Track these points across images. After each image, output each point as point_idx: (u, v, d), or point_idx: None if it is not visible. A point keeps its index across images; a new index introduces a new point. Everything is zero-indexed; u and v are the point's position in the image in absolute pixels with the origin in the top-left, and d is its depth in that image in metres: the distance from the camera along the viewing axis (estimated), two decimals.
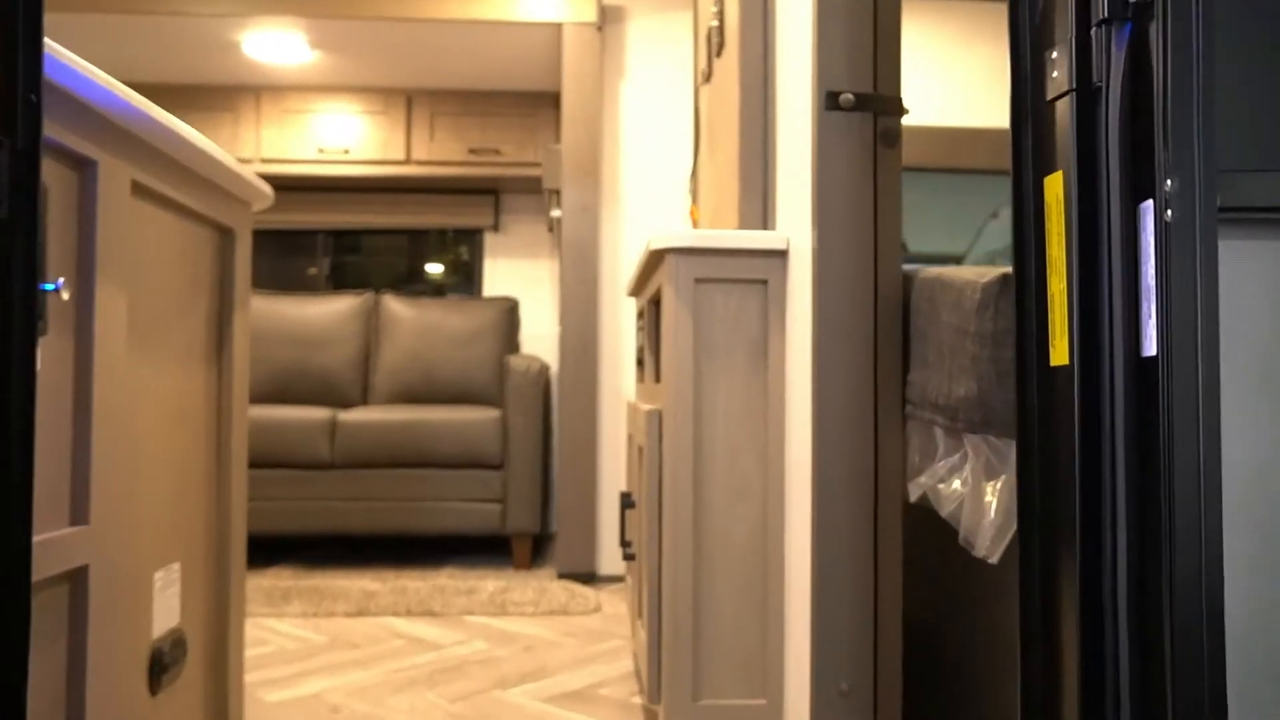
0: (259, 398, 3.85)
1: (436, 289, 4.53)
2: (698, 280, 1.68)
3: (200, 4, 3.20)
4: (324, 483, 3.33)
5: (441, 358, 3.84)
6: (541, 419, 3.41)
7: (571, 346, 3.27)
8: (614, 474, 3.36)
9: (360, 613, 2.88)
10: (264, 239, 4.44)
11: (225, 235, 1.63)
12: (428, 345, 3.85)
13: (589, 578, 3.27)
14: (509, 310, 3.94)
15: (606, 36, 3.41)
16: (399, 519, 3.34)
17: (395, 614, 2.88)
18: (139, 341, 1.30)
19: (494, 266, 4.33)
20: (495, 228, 4.29)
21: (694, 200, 2.42)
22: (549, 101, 3.98)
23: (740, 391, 1.69)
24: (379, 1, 3.23)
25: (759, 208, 1.79)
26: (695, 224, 2.43)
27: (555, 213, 3.47)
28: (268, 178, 4.07)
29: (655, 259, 1.81)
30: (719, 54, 2.09)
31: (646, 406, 1.82)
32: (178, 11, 3.20)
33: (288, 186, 4.21)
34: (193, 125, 3.93)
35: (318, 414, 3.36)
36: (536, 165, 3.95)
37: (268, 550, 3.58)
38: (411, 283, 4.54)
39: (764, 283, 1.69)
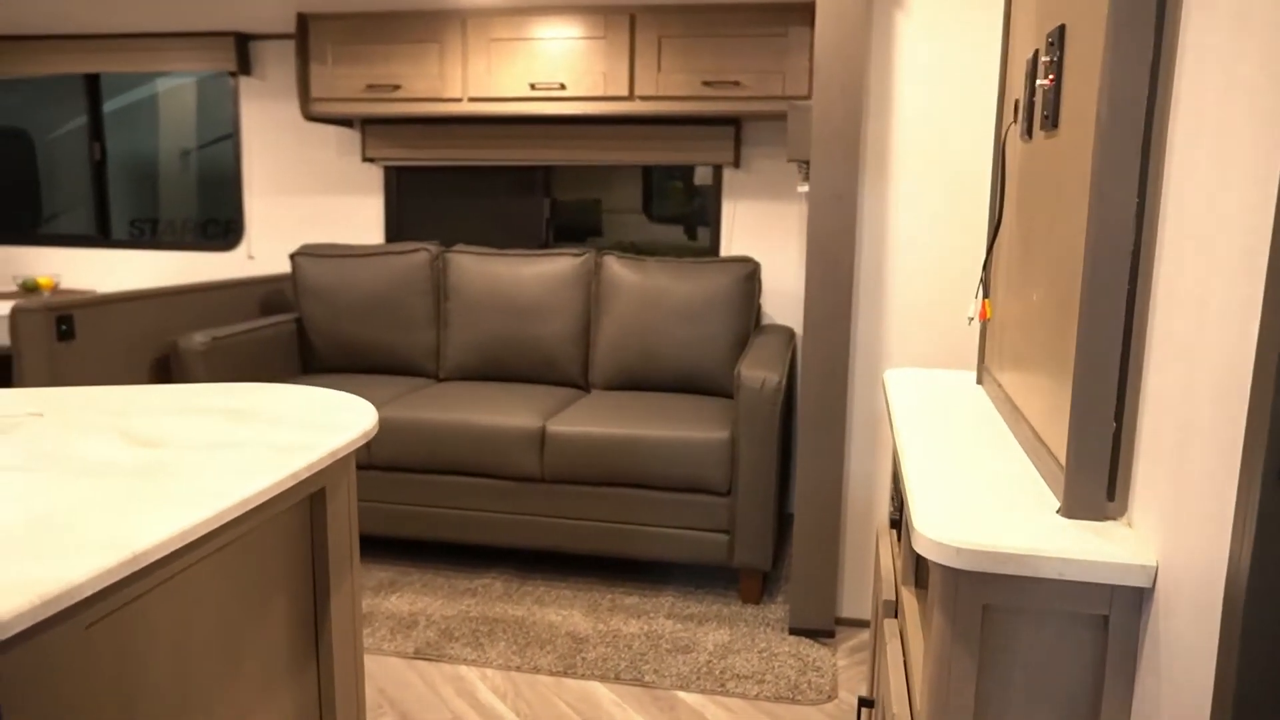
0: (469, 372, 3.56)
1: (675, 226, 3.97)
2: (987, 607, 1.06)
3: None
4: (533, 497, 3.02)
5: (667, 335, 3.34)
6: (779, 437, 2.87)
7: (815, 370, 2.66)
8: (861, 507, 2.80)
9: (566, 671, 2.60)
10: (473, 176, 4.04)
11: (314, 498, 1.19)
12: (652, 318, 3.36)
13: (827, 634, 2.80)
14: (747, 276, 3.33)
15: None
16: (613, 542, 2.99)
17: (603, 678, 2.57)
18: None
19: (733, 208, 3.69)
20: (736, 163, 3.61)
21: (986, 292, 1.69)
22: (801, 15, 3.16)
23: None
24: None
25: (1098, 480, 1.10)
26: (985, 321, 1.71)
27: (803, 188, 2.77)
28: (476, 118, 3.61)
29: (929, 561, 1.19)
30: (1047, 125, 1.32)
31: None
32: None
33: (499, 120, 3.74)
34: (398, 58, 3.49)
35: (525, 424, 3.01)
36: (784, 100, 3.20)
37: (483, 556, 3.38)
38: (643, 226, 4.01)
39: (1102, 619, 1.04)
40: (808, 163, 2.66)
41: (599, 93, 3.34)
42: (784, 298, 3.67)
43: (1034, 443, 1.31)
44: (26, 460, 1.03)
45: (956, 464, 1.31)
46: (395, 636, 2.75)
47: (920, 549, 1.07)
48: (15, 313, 2.81)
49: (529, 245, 4.01)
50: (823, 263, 2.60)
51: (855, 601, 2.87)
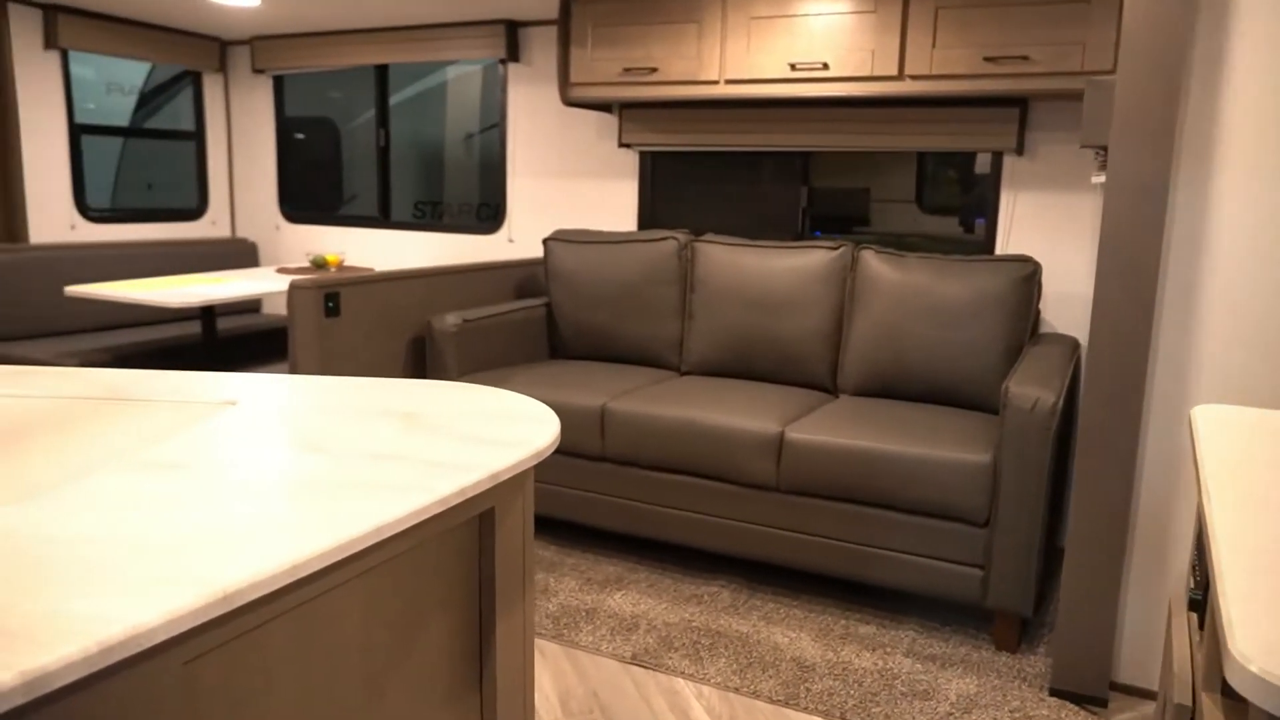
0: (713, 368, 3.42)
1: (949, 218, 3.61)
2: None
3: None
4: (767, 506, 2.83)
5: (928, 340, 3.01)
6: (1050, 465, 2.49)
7: (1101, 392, 2.26)
8: (1151, 557, 2.37)
9: (788, 701, 2.39)
10: (728, 162, 3.87)
11: (483, 519, 1.08)
12: (913, 321, 3.04)
13: (1098, 701, 2.39)
14: (1025, 278, 2.93)
15: None
16: (851, 563, 2.74)
17: (827, 715, 2.34)
18: None
19: (1013, 200, 3.27)
20: (1019, 150, 3.20)
21: None
22: None
23: None
24: None
25: None
26: None
27: (1098, 179, 2.36)
28: (733, 101, 3.44)
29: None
30: None
31: None
32: None
33: (757, 103, 3.55)
34: (656, 40, 3.40)
35: (763, 428, 2.82)
36: (1081, 76, 2.77)
37: (712, 561, 3.23)
38: (915, 217, 3.67)
39: None
40: (1106, 149, 2.26)
41: (865, 72, 3.06)
42: (1069, 302, 3.22)
43: None
44: (189, 458, 0.99)
45: None
46: (614, 638, 2.67)
47: (1239, 684, 0.77)
48: (291, 289, 2.99)
49: (784, 235, 3.81)
50: (1118, 267, 2.20)
51: (1136, 666, 2.44)
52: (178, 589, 0.67)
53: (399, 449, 1.02)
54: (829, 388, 3.29)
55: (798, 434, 2.77)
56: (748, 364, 3.36)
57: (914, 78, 3.00)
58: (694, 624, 2.75)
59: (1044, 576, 2.74)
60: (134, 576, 0.68)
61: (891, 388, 3.13)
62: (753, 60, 3.23)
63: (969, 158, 3.49)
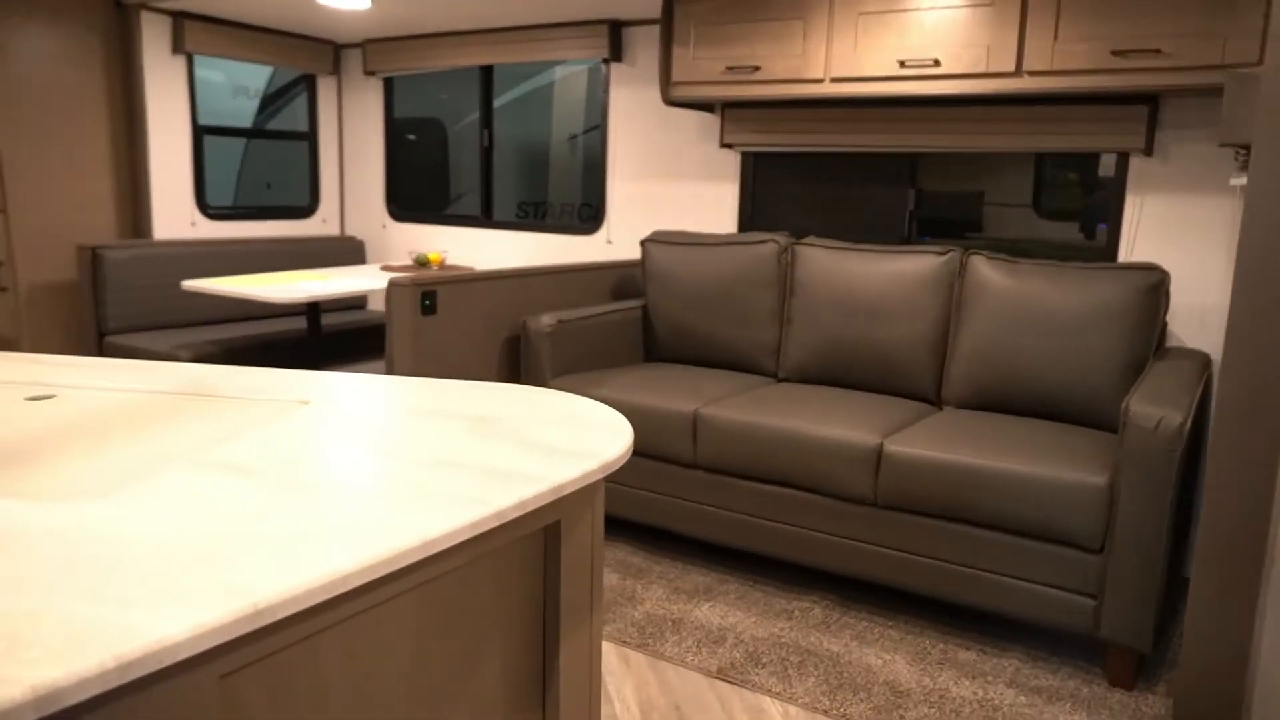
0: (811, 375, 3.31)
1: (1068, 223, 3.41)
2: None
3: None
4: (863, 521, 2.71)
5: (1040, 352, 2.84)
6: (1175, 489, 2.31)
7: (1234, 413, 2.07)
8: None
9: None
10: (831, 163, 3.74)
11: (548, 532, 1.02)
12: (1024, 331, 2.88)
13: None
14: (1150, 288, 2.74)
15: None
16: (952, 584, 2.60)
17: None
18: None
19: (1139, 204, 3.06)
20: (1147, 150, 2.99)
21: None
22: None
23: None
24: None
25: None
26: None
27: (1238, 180, 2.17)
28: (838, 100, 3.32)
29: None
30: None
31: None
32: None
33: (863, 102, 3.42)
34: (760, 37, 3.31)
35: (860, 439, 2.70)
36: (1221, 70, 2.56)
37: (804, 575, 3.12)
38: (1031, 223, 3.48)
39: None
40: (1248, 148, 2.07)
41: (980, 69, 2.91)
42: (1200, 315, 2.99)
43: None
44: (251, 459, 0.96)
45: None
46: (700, 650, 2.59)
47: None
48: (389, 287, 3.03)
49: (889, 239, 3.67)
50: (1258, 277, 2.01)
51: (1273, 713, 2.23)
52: (209, 600, 0.63)
53: (463, 456, 0.98)
54: (932, 399, 3.14)
55: (898, 447, 2.64)
56: (847, 372, 3.24)
57: (1033, 74, 2.83)
58: (783, 640, 2.66)
59: (1165, 609, 2.55)
60: (167, 584, 0.65)
61: (1000, 401, 2.96)
62: (860, 58, 3.11)
63: (1091, 159, 3.29)
